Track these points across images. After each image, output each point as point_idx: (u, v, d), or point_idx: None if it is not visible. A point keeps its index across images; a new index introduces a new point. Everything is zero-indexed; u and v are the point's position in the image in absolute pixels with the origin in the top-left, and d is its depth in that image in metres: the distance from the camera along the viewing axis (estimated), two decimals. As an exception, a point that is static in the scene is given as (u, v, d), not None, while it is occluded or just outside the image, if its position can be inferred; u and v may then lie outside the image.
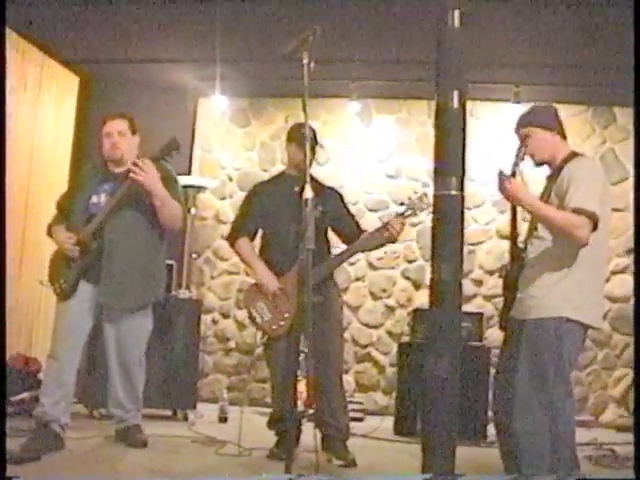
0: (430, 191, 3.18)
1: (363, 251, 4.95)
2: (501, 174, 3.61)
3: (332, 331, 4.58)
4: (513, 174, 3.60)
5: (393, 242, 4.64)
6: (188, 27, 5.83)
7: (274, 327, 4.55)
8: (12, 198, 5.06)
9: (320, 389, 4.29)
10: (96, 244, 4.52)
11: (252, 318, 4.65)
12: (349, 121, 7.27)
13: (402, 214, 4.57)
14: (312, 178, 4.06)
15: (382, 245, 4.69)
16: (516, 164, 3.63)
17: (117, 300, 4.59)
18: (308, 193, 3.39)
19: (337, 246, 4.82)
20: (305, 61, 3.40)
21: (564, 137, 3.83)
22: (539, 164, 3.82)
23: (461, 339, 4.26)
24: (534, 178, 3.85)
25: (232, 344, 7.32)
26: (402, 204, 4.65)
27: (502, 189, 3.61)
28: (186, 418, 5.93)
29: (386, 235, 4.53)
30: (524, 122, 3.80)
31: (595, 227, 3.49)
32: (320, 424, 4.41)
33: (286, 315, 4.50)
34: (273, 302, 4.56)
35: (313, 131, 4.63)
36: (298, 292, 3.55)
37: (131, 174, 4.42)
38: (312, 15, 5.17)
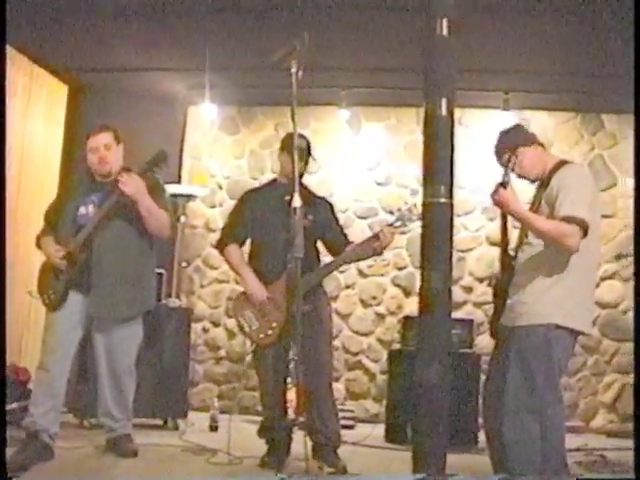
0: (420, 199, 3.19)
1: (350, 262, 4.93)
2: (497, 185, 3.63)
3: (321, 339, 4.57)
4: (504, 185, 3.61)
5: (379, 254, 4.64)
6: (177, 36, 5.83)
7: (261, 336, 4.54)
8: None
9: (310, 397, 4.28)
10: (85, 255, 4.51)
11: (240, 327, 4.64)
12: (338, 129, 7.28)
13: (392, 224, 4.57)
14: (303, 187, 4.08)
15: (369, 257, 4.70)
16: (506, 174, 3.64)
17: (108, 311, 4.58)
18: (297, 202, 3.40)
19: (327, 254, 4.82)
20: (293, 69, 3.41)
21: (544, 146, 3.87)
22: (535, 180, 3.84)
23: (451, 346, 4.26)
24: (524, 186, 3.87)
25: (222, 353, 7.31)
26: (392, 213, 4.66)
27: (494, 200, 3.64)
28: (177, 427, 5.91)
29: (374, 246, 4.53)
30: (507, 146, 3.79)
31: (585, 234, 3.51)
32: (311, 432, 4.41)
33: (274, 324, 4.49)
34: (261, 311, 4.55)
35: (307, 142, 4.64)
36: (287, 301, 3.55)
37: (120, 185, 4.41)
38: (300, 23, 5.17)
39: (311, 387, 4.27)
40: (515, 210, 3.62)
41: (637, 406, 3.96)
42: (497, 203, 3.64)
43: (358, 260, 4.88)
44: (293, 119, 3.45)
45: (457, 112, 3.20)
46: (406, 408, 5.66)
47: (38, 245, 4.72)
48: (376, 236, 4.54)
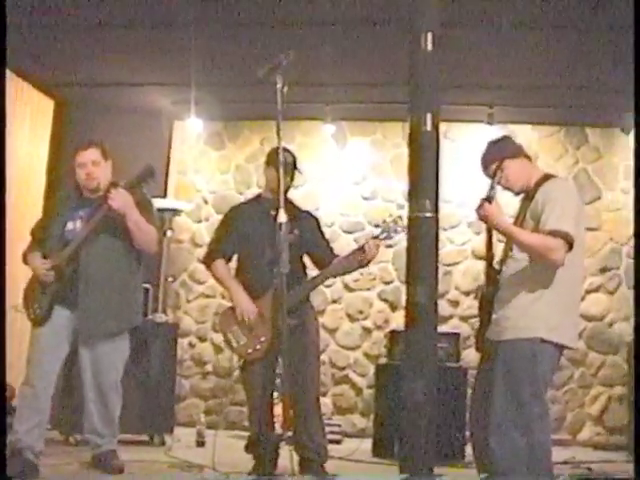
0: (406, 213, 3.20)
1: (336, 275, 4.93)
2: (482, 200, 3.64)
3: (309, 354, 4.56)
4: (489, 200, 3.62)
5: (364, 266, 4.64)
6: (162, 51, 5.83)
7: (249, 351, 4.52)
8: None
9: (297, 412, 4.27)
10: (71, 270, 4.49)
11: (228, 342, 4.62)
12: (324, 143, 7.30)
13: (377, 237, 4.58)
14: (289, 202, 4.07)
15: (355, 269, 4.69)
16: (492, 188, 3.65)
17: (94, 326, 4.54)
18: (282, 217, 3.40)
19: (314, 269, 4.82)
20: (278, 85, 3.42)
21: (530, 159, 3.89)
22: (519, 193, 3.85)
23: (437, 360, 4.25)
24: (509, 200, 3.88)
25: (209, 367, 7.29)
26: (377, 226, 4.67)
27: (479, 215, 3.65)
28: (163, 443, 5.88)
29: (360, 259, 4.53)
30: (494, 157, 3.79)
31: (570, 248, 3.52)
32: (298, 447, 4.39)
33: (262, 339, 4.47)
34: (248, 326, 4.53)
35: (293, 156, 4.64)
36: (274, 315, 3.54)
37: (109, 201, 4.40)
38: (286, 39, 5.19)
39: (298, 402, 4.26)
40: (500, 225, 3.63)
41: (637, 411, 3.97)
42: (482, 218, 3.65)
43: (344, 273, 4.88)
44: (278, 134, 3.45)
45: (443, 126, 3.21)
46: (393, 422, 5.64)
47: (25, 261, 4.69)
48: (361, 248, 4.54)
